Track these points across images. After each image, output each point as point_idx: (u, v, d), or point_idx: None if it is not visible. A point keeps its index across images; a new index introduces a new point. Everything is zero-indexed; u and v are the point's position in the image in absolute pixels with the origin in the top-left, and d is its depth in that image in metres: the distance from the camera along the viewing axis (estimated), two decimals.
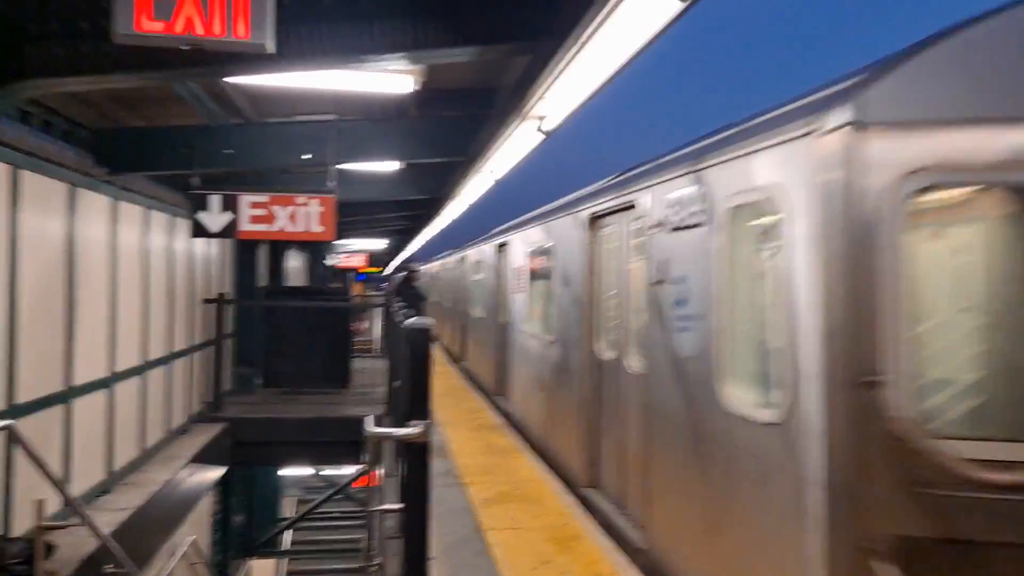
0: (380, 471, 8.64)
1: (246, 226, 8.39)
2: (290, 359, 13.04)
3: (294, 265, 22.67)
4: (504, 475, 7.94)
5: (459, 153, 8.91)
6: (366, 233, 24.38)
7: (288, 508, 23.42)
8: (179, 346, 10.31)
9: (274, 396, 13.01)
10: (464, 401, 12.56)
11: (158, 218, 9.46)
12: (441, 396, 12.88)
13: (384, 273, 62.39)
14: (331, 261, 33.73)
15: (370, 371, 13.24)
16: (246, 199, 8.36)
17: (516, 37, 5.00)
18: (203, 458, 9.99)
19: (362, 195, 12.57)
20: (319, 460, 17.12)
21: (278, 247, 17.01)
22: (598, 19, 3.73)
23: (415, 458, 4.16)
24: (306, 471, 25.90)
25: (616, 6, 3.50)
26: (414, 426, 4.02)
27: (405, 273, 14.43)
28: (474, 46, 5.00)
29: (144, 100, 8.05)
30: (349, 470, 22.34)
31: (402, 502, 4.49)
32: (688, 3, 3.39)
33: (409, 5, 4.90)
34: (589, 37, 3.91)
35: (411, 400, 4.16)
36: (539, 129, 6.02)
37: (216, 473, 10.94)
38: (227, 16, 3.47)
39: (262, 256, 15.13)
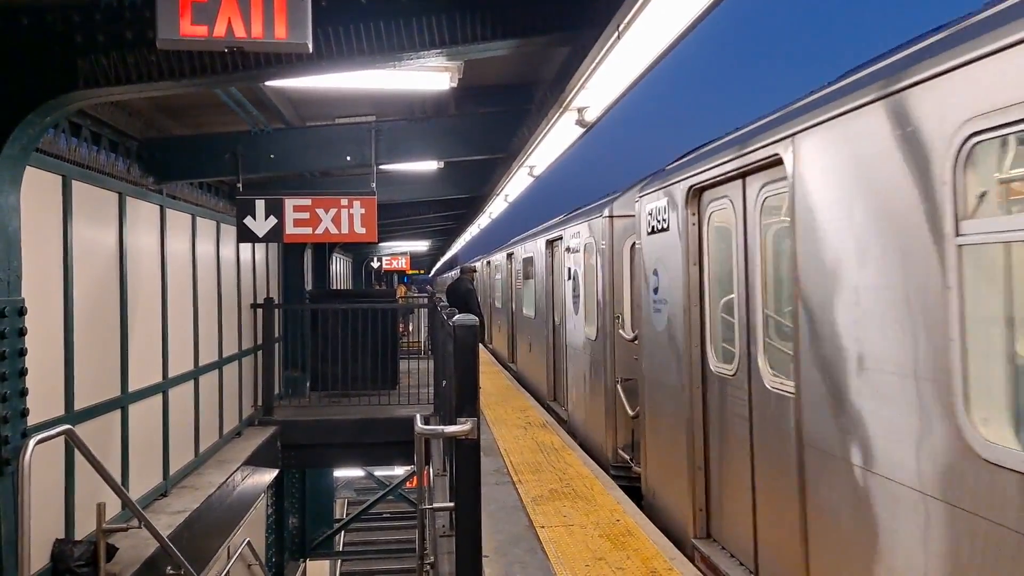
0: (431, 470, 8.68)
1: (291, 230, 8.47)
2: (338, 362, 13.16)
3: (340, 269, 22.91)
4: (554, 472, 7.89)
5: (499, 150, 8.86)
6: (408, 235, 24.51)
7: (340, 509, 23.69)
8: (229, 351, 10.47)
9: (323, 399, 13.16)
10: (513, 400, 12.54)
11: (205, 225, 9.61)
12: (489, 395, 12.88)
13: (428, 275, 62.80)
14: (375, 264, 34.04)
15: (418, 372, 13.28)
16: (290, 203, 8.43)
17: (555, 28, 4.94)
18: (256, 461, 10.12)
19: (404, 196, 12.62)
20: (370, 461, 17.28)
21: (324, 251, 17.20)
22: (636, 5, 3.66)
23: (464, 455, 4.14)
24: (358, 472, 26.18)
25: None
26: (462, 423, 3.99)
27: (458, 273, 14.54)
28: (513, 39, 4.95)
29: (189, 108, 8.18)
30: (400, 471, 22.56)
31: (453, 500, 4.47)
32: None
33: (447, 0, 4.88)
34: (628, 24, 3.83)
35: (459, 397, 4.14)
36: (578, 122, 5.95)
37: (269, 476, 11.08)
38: (266, 17, 3.48)
39: (308, 260, 15.30)
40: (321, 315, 13.41)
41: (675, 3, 3.51)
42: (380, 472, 24.29)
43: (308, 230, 8.50)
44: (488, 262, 23.39)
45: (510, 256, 17.19)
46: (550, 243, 12.01)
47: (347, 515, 21.90)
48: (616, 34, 4.00)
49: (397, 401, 12.61)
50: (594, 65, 4.62)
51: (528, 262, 14.30)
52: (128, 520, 6.30)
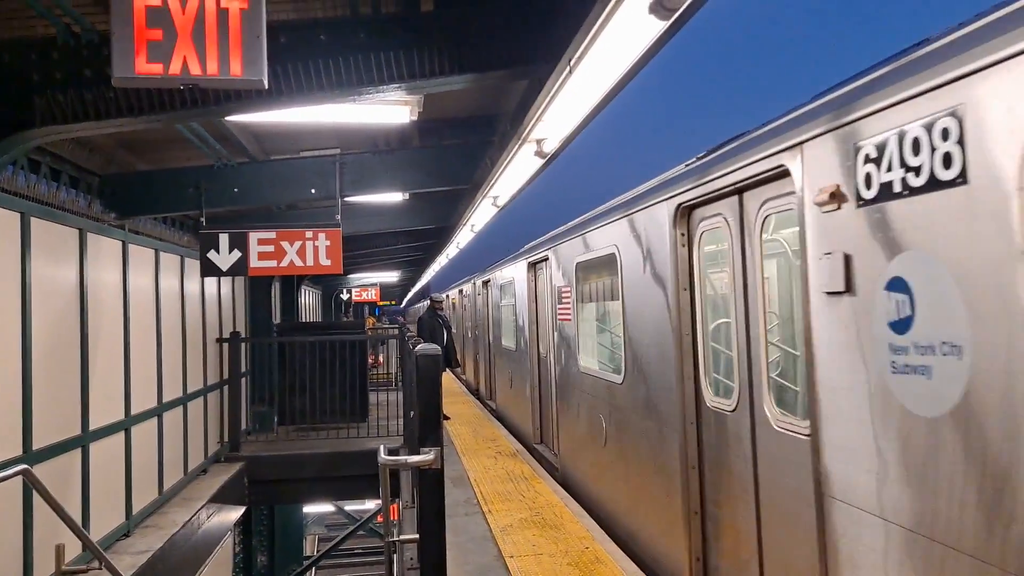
0: (400, 503, 8.61)
1: (255, 263, 8.45)
2: (307, 395, 13.06)
3: (309, 301, 22.78)
4: (524, 501, 7.88)
5: (463, 181, 8.96)
6: (377, 266, 24.49)
7: (311, 546, 23.32)
8: (194, 387, 10.35)
9: (292, 433, 13.02)
10: (483, 429, 12.50)
11: (168, 259, 9.55)
12: (460, 425, 12.84)
13: (399, 306, 62.58)
14: (345, 295, 33.89)
15: (388, 404, 13.22)
16: (254, 236, 8.43)
17: (511, 63, 5.04)
18: (222, 498, 9.98)
19: (370, 227, 12.65)
20: (340, 495, 17.05)
21: (292, 283, 17.12)
22: (585, 41, 3.77)
23: (428, 485, 4.13)
24: (328, 508, 25.83)
25: (603, 26, 3.53)
26: (426, 452, 4.00)
27: (429, 303, 14.40)
28: (470, 73, 5.04)
29: (150, 144, 8.17)
30: (371, 504, 22.29)
31: (418, 531, 4.46)
32: (669, 23, 3.41)
33: (405, 36, 4.96)
34: (579, 58, 3.94)
35: (422, 426, 4.14)
36: (537, 152, 6.04)
37: (236, 513, 10.92)
38: (221, 55, 3.52)
39: (276, 293, 15.22)
40: (289, 348, 13.32)
41: (621, 40, 3.61)
42: (351, 507, 24.00)
43: (273, 263, 8.49)
44: (461, 290, 22.04)
45: (486, 283, 15.81)
46: (533, 265, 10.60)
47: (317, 551, 21.57)
48: (568, 68, 4.10)
49: (367, 434, 12.52)
50: (549, 98, 4.72)
51: (506, 288, 13.01)
52: (89, 561, 6.18)
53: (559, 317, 8.65)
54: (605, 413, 6.91)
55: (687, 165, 5.31)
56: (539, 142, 5.80)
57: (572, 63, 3.99)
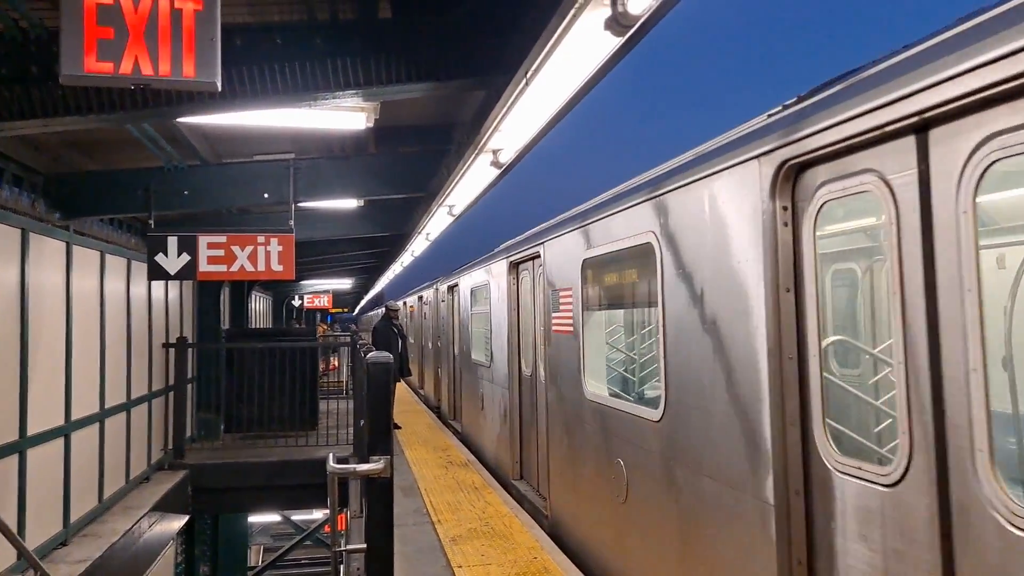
0: (348, 513, 8.52)
1: (205, 267, 8.32)
2: (255, 402, 12.85)
3: (259, 307, 22.47)
4: (474, 511, 7.86)
5: (419, 189, 8.95)
6: (330, 273, 24.27)
7: (255, 556, 22.92)
8: (138, 392, 10.12)
9: (238, 441, 12.80)
10: (435, 439, 12.45)
11: (114, 262, 9.34)
12: (411, 435, 12.77)
13: (352, 313, 62.05)
14: (296, 302, 33.50)
15: (338, 413, 13.09)
16: (204, 240, 8.30)
17: (468, 73, 5.07)
18: (165, 507, 9.76)
19: (324, 233, 12.55)
20: (288, 505, 16.80)
21: (242, 289, 16.87)
22: (543, 54, 3.81)
23: (377, 494, 4.11)
24: (274, 517, 25.43)
25: (559, 40, 3.57)
26: (375, 461, 3.97)
27: (384, 312, 14.19)
28: (427, 82, 5.06)
29: (99, 144, 8.00)
30: (319, 514, 22.00)
31: (365, 541, 4.42)
32: (624, 39, 3.47)
33: (362, 42, 4.96)
34: (536, 71, 3.97)
35: (371, 434, 4.12)
36: (493, 163, 6.07)
37: (179, 522, 10.69)
38: (174, 56, 3.48)
39: (225, 298, 14.97)
40: (238, 354, 13.11)
41: (576, 55, 3.66)
42: (298, 516, 23.67)
43: (223, 267, 8.37)
44: (421, 297, 19.88)
45: (452, 288, 13.97)
46: (515, 266, 8.74)
47: (262, 562, 21.22)
48: (524, 80, 4.13)
49: (316, 442, 12.37)
50: (506, 109, 4.75)
51: (479, 293, 11.18)
52: (24, 571, 6.00)
53: (554, 328, 6.85)
54: (628, 458, 5.10)
55: (792, 105, 3.59)
56: (495, 152, 5.83)
57: (528, 75, 4.03)
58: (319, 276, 24.54)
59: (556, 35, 3.43)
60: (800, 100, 3.55)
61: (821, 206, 3.24)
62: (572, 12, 3.24)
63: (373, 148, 8.83)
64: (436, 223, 10.39)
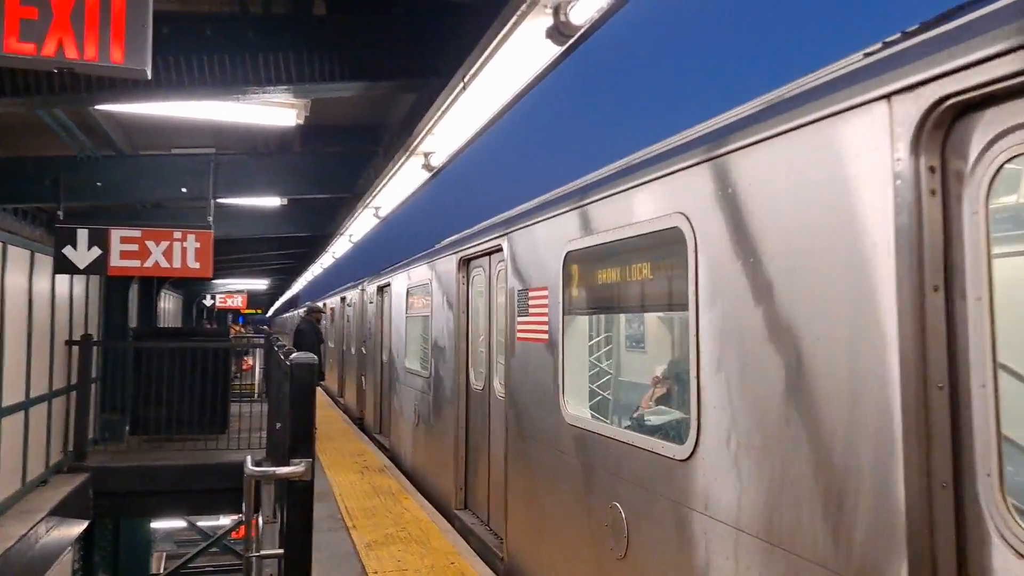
0: (260, 518, 8.30)
1: (117, 262, 8.00)
2: (162, 404, 12.39)
3: (168, 306, 21.73)
4: (390, 517, 7.79)
5: (344, 190, 8.84)
6: (247, 272, 23.68)
7: (158, 564, 22.10)
8: (38, 391, 9.64)
9: (144, 443, 12.32)
10: (351, 443, 12.27)
11: (16, 254, 8.88)
12: (326, 439, 12.55)
13: (266, 315, 60.62)
14: (208, 301, 32.54)
15: (251, 415, 12.76)
16: (116, 234, 7.98)
17: (402, 74, 5.05)
18: (63, 511, 9.32)
19: (243, 232, 12.24)
20: (194, 510, 16.24)
21: (151, 286, 16.28)
22: (481, 59, 3.83)
23: (297, 498, 4.04)
24: (179, 523, 24.56)
25: (497, 48, 3.60)
26: (296, 464, 3.91)
27: (304, 313, 13.83)
28: (360, 81, 5.01)
29: (5, 129, 7.61)
30: (226, 520, 21.35)
31: (282, 547, 4.34)
32: (565, 48, 3.53)
33: (295, 38, 4.88)
34: (474, 76, 3.99)
35: (293, 437, 4.05)
36: (424, 166, 6.06)
37: (78, 527, 10.22)
38: (102, 40, 3.34)
39: (134, 296, 14.42)
40: (146, 354, 12.62)
41: (515, 61, 3.69)
42: (204, 522, 22.92)
43: (136, 263, 8.07)
44: (344, 298, 18.34)
45: (382, 289, 12.69)
46: (466, 262, 7.62)
47: (165, 569, 20.47)
48: (462, 85, 4.15)
49: (227, 446, 12.02)
50: (440, 113, 4.75)
51: (416, 294, 9.95)
52: None
53: (520, 335, 5.69)
54: (630, 503, 3.99)
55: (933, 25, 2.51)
56: (427, 155, 5.82)
57: (467, 80, 4.04)
58: (234, 276, 23.92)
59: (496, 41, 3.45)
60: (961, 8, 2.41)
61: (999, 168, 2.17)
62: (513, 20, 3.27)
63: (298, 146, 8.68)
64: (360, 224, 10.28)
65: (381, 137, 7.91)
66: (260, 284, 29.83)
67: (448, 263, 8.05)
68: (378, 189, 7.47)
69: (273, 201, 10.43)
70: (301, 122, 6.39)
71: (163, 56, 4.59)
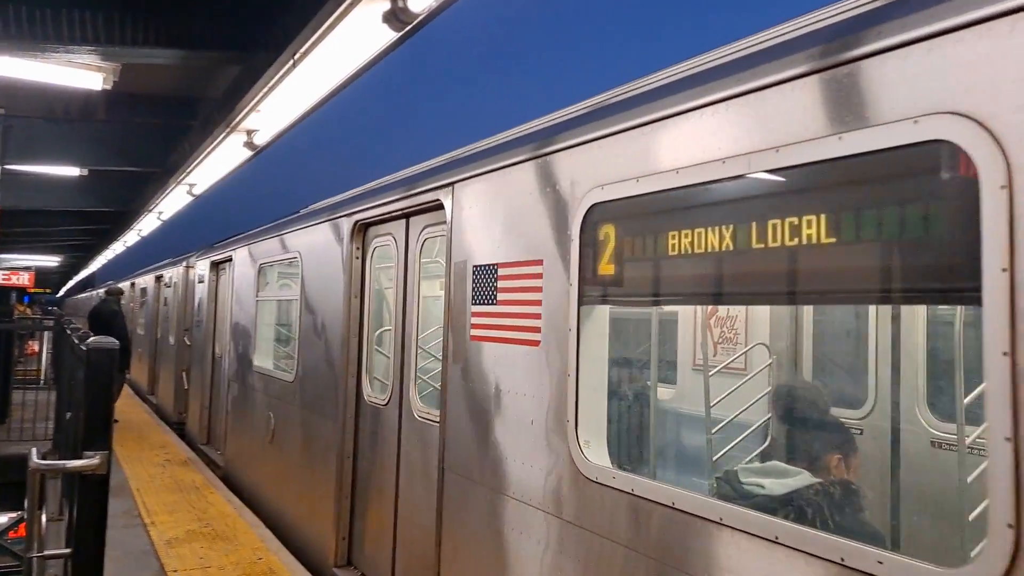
0: (44, 515, 7.60)
1: None
2: None
3: None
4: (194, 512, 7.39)
5: (155, 164, 8.29)
6: (37, 248, 21.63)
7: None
8: None
9: None
10: (152, 435, 11.52)
11: None
12: (124, 430, 11.71)
13: (56, 295, 55.65)
14: None
15: (36, 404, 11.67)
16: None
17: (224, 45, 4.81)
18: None
19: (34, 203, 11.17)
20: None
21: None
22: (314, 37, 3.71)
23: (90, 493, 3.72)
24: None
25: (332, 27, 3.51)
26: (90, 456, 3.61)
27: (103, 295, 12.62)
28: (177, 49, 4.72)
29: None
30: (3, 518, 19.38)
31: (69, 546, 4.01)
32: (402, 34, 3.49)
33: None
34: (305, 53, 3.87)
35: (88, 428, 3.73)
36: (246, 143, 5.79)
37: None
38: None
39: None
40: None
41: (351, 40, 3.61)
42: None
43: None
44: (159, 276, 15.15)
45: (218, 266, 10.24)
46: (364, 228, 5.56)
47: None
48: (292, 61, 4.00)
49: (7, 436, 10.92)
50: (268, 89, 4.56)
51: (269, 274, 8.09)
52: None
53: (474, 333, 3.99)
54: None
55: None
56: (250, 133, 5.56)
57: (297, 57, 3.90)
58: (21, 251, 21.76)
59: (331, 20, 3.36)
60: None
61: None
62: (348, 0, 3.20)
63: (103, 114, 8.01)
64: (173, 202, 9.68)
65: (199, 111, 7.48)
66: (51, 261, 27.35)
67: (333, 230, 6.02)
68: (194, 165, 7.06)
69: (71, 171, 9.58)
70: (109, 87, 5.89)
71: None
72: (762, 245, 2.37)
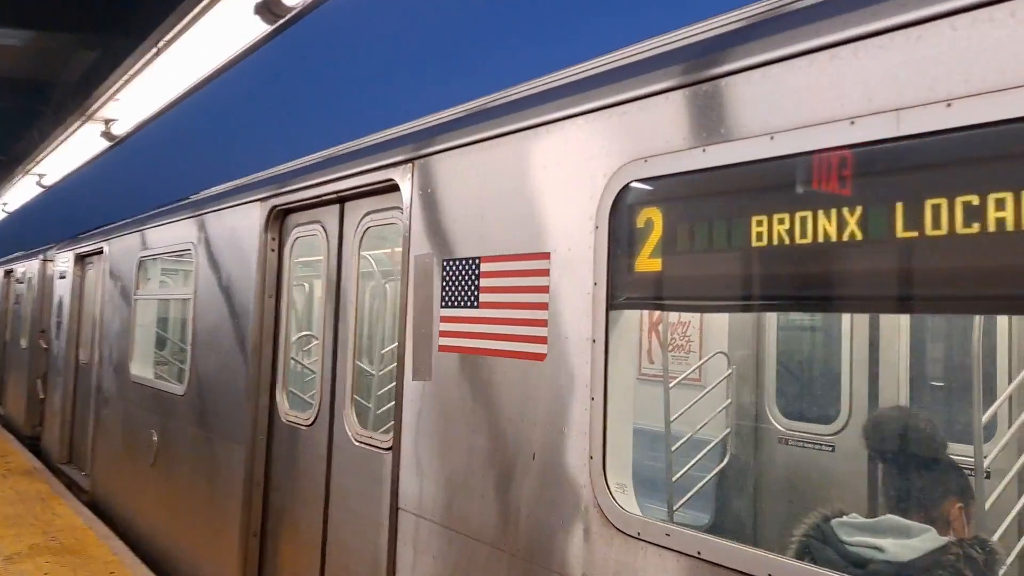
0: None
1: None
2: None
3: None
4: (38, 525, 6.90)
5: None
6: None
7: None
8: None
9: None
10: None
11: None
12: None
13: None
14: None
15: None
16: None
17: (80, 28, 4.50)
18: None
19: None
20: None
21: None
22: (180, 25, 3.53)
23: None
24: None
25: (199, 16, 3.35)
26: None
27: None
28: (26, 29, 4.38)
29: None
30: None
31: None
32: (273, 28, 3.38)
33: None
34: (171, 41, 3.68)
35: None
36: (104, 133, 5.45)
37: None
38: None
39: None
40: None
41: (223, 29, 3.46)
42: None
43: None
44: (9, 272, 13.04)
45: (84, 259, 8.94)
46: (282, 215, 4.87)
47: None
48: (155, 49, 3.79)
49: None
50: (128, 77, 4.30)
51: (155, 269, 7.25)
52: None
53: (443, 342, 3.22)
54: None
55: None
56: (108, 122, 5.22)
57: (161, 45, 3.70)
58: None
59: (199, 9, 3.21)
60: None
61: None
62: None
63: None
64: (19, 193, 8.99)
65: (50, 96, 6.98)
66: None
67: (239, 217, 5.12)
68: (44, 154, 6.58)
69: None
70: None
71: None
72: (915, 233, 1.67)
